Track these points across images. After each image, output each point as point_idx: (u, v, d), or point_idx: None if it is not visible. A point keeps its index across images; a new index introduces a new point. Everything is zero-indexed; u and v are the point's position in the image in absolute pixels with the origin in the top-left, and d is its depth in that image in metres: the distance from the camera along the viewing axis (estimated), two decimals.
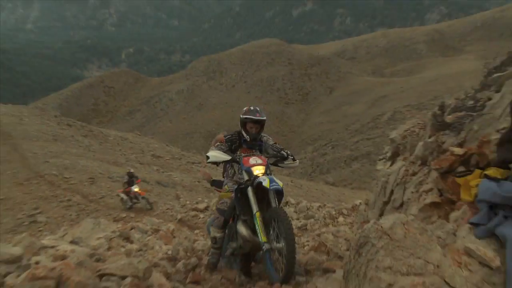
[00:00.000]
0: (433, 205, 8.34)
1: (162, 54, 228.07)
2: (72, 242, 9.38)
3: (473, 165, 7.95)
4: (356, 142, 77.67)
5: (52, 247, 8.28)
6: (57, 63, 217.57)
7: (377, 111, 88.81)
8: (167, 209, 25.27)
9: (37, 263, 7.13)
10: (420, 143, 10.70)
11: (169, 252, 12.18)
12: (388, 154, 13.45)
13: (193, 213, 22.89)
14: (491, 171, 2.42)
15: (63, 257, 7.47)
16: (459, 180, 2.50)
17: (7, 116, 43.78)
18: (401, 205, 10.35)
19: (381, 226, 2.40)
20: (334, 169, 76.87)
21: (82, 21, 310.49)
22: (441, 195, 8.31)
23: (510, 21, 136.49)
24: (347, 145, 75.31)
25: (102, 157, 37.15)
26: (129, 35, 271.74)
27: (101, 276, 6.33)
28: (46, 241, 9.31)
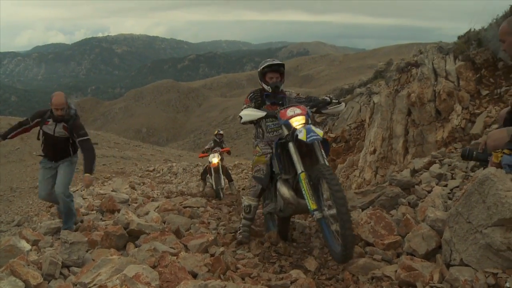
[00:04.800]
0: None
1: (110, 88, 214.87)
2: (113, 191, 8.39)
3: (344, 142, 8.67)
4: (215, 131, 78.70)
5: (105, 193, 7.39)
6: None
7: (224, 115, 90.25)
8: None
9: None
10: None
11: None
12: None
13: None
14: (506, 151, 2.62)
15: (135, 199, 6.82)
16: (494, 153, 2.68)
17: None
18: None
19: (491, 172, 2.46)
20: (204, 146, 77.26)
21: (67, 73, 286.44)
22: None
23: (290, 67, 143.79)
24: (211, 133, 75.62)
25: None
26: (94, 79, 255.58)
27: (184, 207, 5.98)
28: (100, 190, 8.51)
